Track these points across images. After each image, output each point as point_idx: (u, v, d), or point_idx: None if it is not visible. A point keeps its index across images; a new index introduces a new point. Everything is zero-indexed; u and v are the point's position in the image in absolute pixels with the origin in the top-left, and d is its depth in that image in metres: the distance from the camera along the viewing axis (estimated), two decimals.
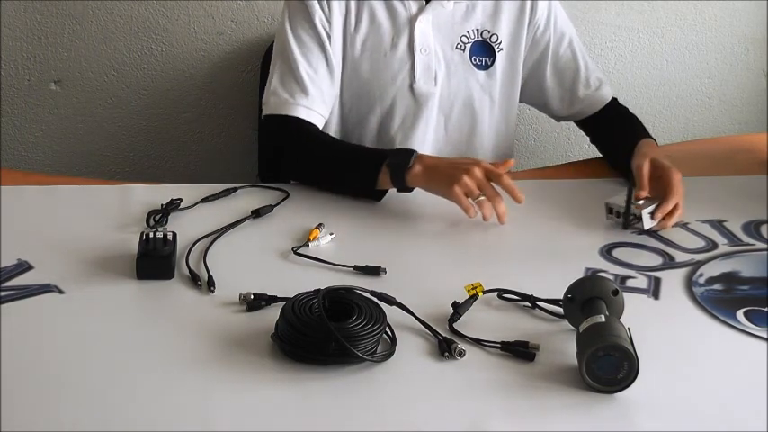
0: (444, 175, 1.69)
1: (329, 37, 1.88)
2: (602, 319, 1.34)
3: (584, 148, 2.81)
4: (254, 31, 2.56)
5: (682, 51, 2.78)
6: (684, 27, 2.76)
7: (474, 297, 1.47)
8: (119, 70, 2.55)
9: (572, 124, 2.82)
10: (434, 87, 1.94)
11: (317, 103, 1.87)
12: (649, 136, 1.97)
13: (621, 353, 1.28)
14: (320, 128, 1.89)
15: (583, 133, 2.86)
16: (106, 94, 2.57)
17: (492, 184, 1.69)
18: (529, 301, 1.49)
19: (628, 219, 1.73)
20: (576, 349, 1.33)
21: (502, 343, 1.38)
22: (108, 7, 2.49)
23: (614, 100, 2.08)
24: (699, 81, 2.82)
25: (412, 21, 1.91)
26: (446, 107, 1.97)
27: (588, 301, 1.40)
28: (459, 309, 1.44)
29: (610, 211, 1.77)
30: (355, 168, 1.78)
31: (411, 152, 1.74)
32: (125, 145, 2.63)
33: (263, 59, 2.48)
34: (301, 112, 1.86)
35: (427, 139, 1.97)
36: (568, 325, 1.43)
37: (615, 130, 2.01)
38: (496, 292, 1.50)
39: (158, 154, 2.65)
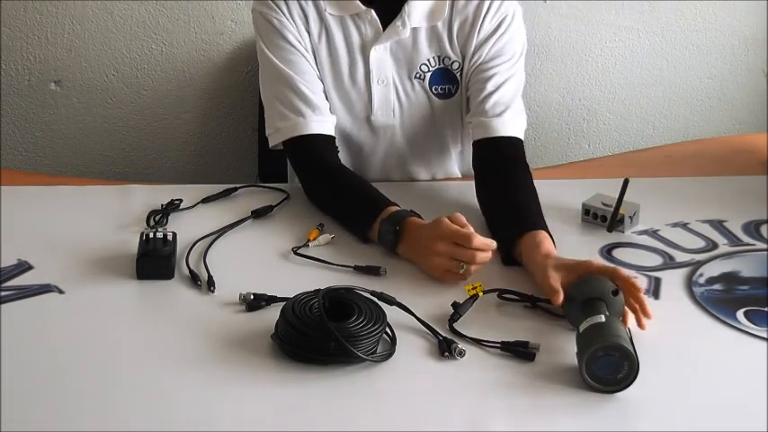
0: (424, 265, 1.58)
1: (305, 46, 1.83)
2: (602, 319, 1.34)
3: (584, 147, 2.81)
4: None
5: (682, 51, 2.78)
6: (684, 27, 2.76)
7: (474, 297, 1.47)
8: (119, 70, 2.55)
9: (572, 124, 2.81)
10: (393, 119, 1.88)
11: (325, 112, 1.83)
12: (537, 214, 1.68)
13: (621, 353, 1.28)
14: (333, 132, 1.83)
15: (583, 133, 2.86)
16: (106, 94, 2.57)
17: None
18: (529, 301, 1.49)
19: (615, 221, 1.73)
20: (576, 349, 1.33)
21: (502, 343, 1.38)
22: (108, 7, 2.49)
23: (508, 142, 1.82)
24: (699, 81, 2.82)
25: (367, 48, 1.84)
26: (410, 133, 1.91)
27: (588, 301, 1.40)
28: (459, 309, 1.44)
29: (587, 212, 1.77)
30: (351, 223, 1.70)
31: (398, 229, 1.60)
32: (125, 145, 2.63)
33: None
34: (314, 128, 1.80)
35: (388, 161, 1.93)
36: (569, 325, 1.43)
37: (500, 207, 1.73)
38: (496, 293, 1.50)
39: (158, 154, 2.65)
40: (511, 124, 1.83)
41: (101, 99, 2.57)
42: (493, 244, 1.54)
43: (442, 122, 1.91)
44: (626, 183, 1.72)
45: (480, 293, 1.47)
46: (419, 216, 1.65)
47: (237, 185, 1.86)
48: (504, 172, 1.79)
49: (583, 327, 1.35)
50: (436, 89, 1.88)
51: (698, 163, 2.10)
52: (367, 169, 1.94)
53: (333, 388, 1.29)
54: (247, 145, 2.63)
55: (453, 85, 1.88)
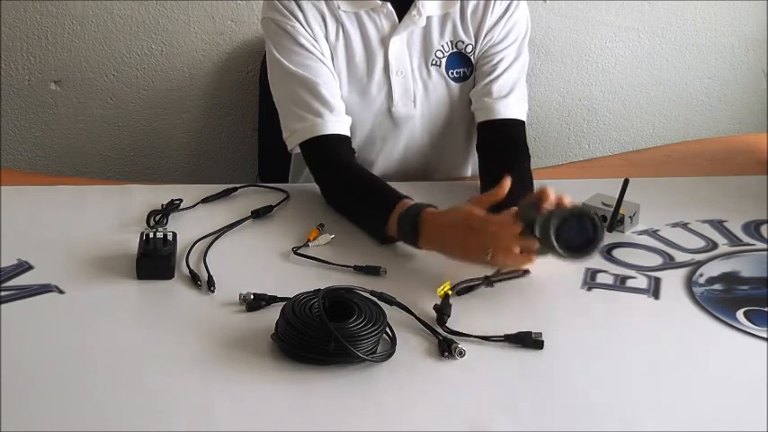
0: (457, 247, 1.56)
1: (320, 50, 1.82)
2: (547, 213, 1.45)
3: (584, 147, 2.81)
4: (254, 31, 2.56)
5: (682, 51, 2.78)
6: (684, 27, 2.76)
7: (446, 297, 1.47)
8: (119, 70, 2.55)
9: (572, 124, 2.81)
10: (414, 109, 1.89)
11: (341, 112, 1.82)
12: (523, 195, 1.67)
13: (579, 215, 1.43)
14: (349, 133, 1.82)
15: (583, 133, 2.86)
16: (106, 94, 2.57)
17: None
18: (484, 282, 1.51)
19: (615, 221, 1.73)
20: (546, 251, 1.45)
21: (506, 336, 1.38)
22: (108, 7, 2.49)
23: (512, 125, 1.87)
24: (699, 81, 2.82)
25: (385, 42, 1.85)
26: (428, 124, 1.92)
27: (528, 224, 1.48)
28: (443, 310, 1.44)
29: None
30: (367, 221, 1.70)
31: (416, 222, 1.59)
32: (125, 145, 2.63)
33: (263, 59, 2.48)
34: (331, 128, 1.80)
35: (409, 155, 1.94)
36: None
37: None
38: (455, 289, 1.50)
39: (158, 154, 2.65)
40: (514, 106, 1.87)
41: (101, 99, 2.57)
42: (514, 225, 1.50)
43: (459, 107, 1.92)
44: (626, 183, 1.72)
45: (449, 292, 1.48)
46: (434, 207, 1.63)
47: (237, 185, 1.86)
48: (504, 155, 1.84)
49: (537, 223, 1.44)
50: (452, 73, 1.90)
51: (698, 163, 2.10)
52: (388, 163, 1.95)
53: (333, 388, 1.29)
54: (247, 145, 2.63)
55: (468, 67, 1.90)
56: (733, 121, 2.87)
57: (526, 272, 1.51)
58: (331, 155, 1.81)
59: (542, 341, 1.37)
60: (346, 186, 1.78)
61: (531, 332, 1.38)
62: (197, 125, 2.64)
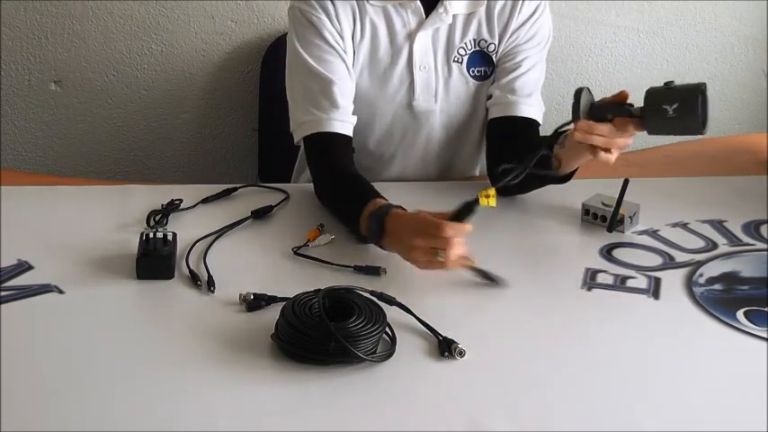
0: (406, 260, 1.55)
1: (342, 47, 1.82)
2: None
3: None
4: (254, 31, 2.56)
5: (682, 51, 2.78)
6: (684, 27, 2.76)
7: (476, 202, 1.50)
8: (119, 70, 2.55)
9: (572, 125, 2.81)
10: (435, 104, 1.90)
11: (348, 113, 1.82)
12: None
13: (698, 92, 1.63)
14: (351, 133, 1.82)
15: None
16: (106, 94, 2.57)
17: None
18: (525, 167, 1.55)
19: (615, 221, 1.73)
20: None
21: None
22: (108, 7, 2.50)
23: (530, 126, 1.89)
24: (699, 81, 2.82)
25: (411, 37, 1.86)
26: (446, 120, 1.93)
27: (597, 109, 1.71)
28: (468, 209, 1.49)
29: (586, 212, 1.77)
30: (344, 218, 1.71)
31: (382, 221, 1.59)
32: (125, 145, 2.63)
33: (263, 59, 2.48)
34: (335, 127, 1.80)
35: (428, 152, 1.95)
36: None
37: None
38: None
39: (158, 154, 2.65)
40: (535, 107, 1.89)
41: (101, 99, 2.58)
42: (466, 228, 1.51)
43: (477, 106, 1.93)
44: (626, 183, 1.72)
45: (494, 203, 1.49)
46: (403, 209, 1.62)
47: (237, 185, 1.86)
48: (519, 153, 1.81)
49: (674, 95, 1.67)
50: (473, 71, 1.90)
51: (698, 163, 2.11)
52: (407, 159, 1.95)
53: (333, 388, 1.29)
54: (247, 145, 2.63)
55: (489, 67, 1.91)
56: (733, 121, 2.87)
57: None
58: (329, 153, 1.81)
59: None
60: (333, 183, 1.78)
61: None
62: (197, 125, 2.64)
